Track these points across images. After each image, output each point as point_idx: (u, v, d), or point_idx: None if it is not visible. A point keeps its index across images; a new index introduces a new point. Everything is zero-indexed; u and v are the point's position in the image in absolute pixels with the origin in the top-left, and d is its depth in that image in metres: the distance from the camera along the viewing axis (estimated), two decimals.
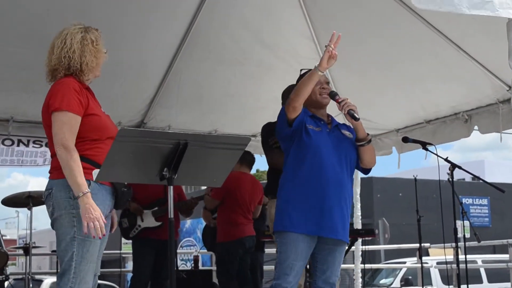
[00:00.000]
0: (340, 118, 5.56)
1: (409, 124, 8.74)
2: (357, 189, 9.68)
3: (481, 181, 7.53)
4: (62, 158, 4.07)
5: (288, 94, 5.20)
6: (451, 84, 7.71)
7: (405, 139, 7.21)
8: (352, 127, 5.13)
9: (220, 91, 8.46)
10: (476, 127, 7.91)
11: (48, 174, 4.26)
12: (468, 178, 27.48)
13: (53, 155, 4.20)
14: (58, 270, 4.22)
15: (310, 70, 5.12)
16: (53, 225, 4.19)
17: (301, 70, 5.33)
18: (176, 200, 7.75)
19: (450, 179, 6.89)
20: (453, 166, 6.85)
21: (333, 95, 5.05)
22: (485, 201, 28.84)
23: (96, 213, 4.01)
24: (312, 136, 4.94)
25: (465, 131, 8.04)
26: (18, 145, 8.36)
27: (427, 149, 7.10)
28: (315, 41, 7.87)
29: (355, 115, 4.87)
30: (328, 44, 4.71)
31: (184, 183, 4.59)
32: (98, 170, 4.02)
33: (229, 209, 7.94)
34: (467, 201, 27.18)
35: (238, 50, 7.81)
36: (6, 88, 7.53)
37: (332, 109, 5.21)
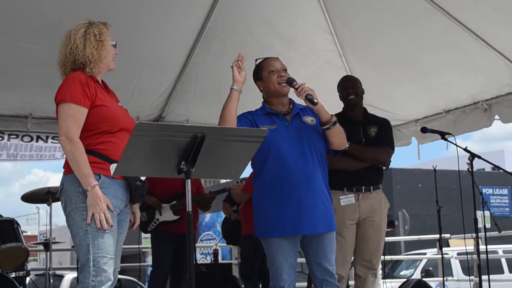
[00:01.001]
0: None
1: (428, 114, 8.68)
2: None
3: (501, 170, 7.49)
4: (66, 150, 4.10)
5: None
6: (470, 74, 7.67)
7: (424, 129, 7.16)
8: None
9: None
10: (497, 117, 7.85)
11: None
12: (488, 168, 27.40)
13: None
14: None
15: (265, 58, 5.08)
16: (67, 221, 4.21)
17: (256, 60, 5.21)
18: (194, 194, 7.76)
19: (470, 169, 6.85)
20: (473, 156, 6.82)
21: (290, 82, 4.95)
22: (505, 191, 28.72)
23: (103, 204, 4.04)
24: (267, 137, 4.75)
25: (485, 121, 7.97)
26: (37, 141, 8.40)
27: (446, 139, 7.05)
28: (332, 33, 7.84)
29: (314, 100, 4.78)
30: (233, 64, 4.84)
31: (202, 176, 4.58)
32: (114, 165, 4.03)
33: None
34: (487, 191, 27.06)
35: (255, 44, 7.79)
36: (24, 84, 7.56)
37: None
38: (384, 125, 6.27)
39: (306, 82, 4.89)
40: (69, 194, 4.14)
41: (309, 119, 5.04)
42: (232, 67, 4.87)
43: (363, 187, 6.01)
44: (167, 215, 7.85)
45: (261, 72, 5.08)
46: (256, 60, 5.18)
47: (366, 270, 6.01)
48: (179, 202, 7.80)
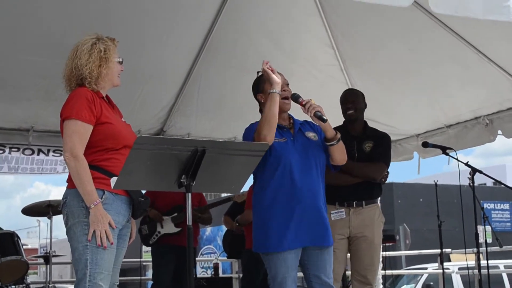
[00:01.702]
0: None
1: (429, 129, 8.69)
2: None
3: (502, 185, 7.47)
4: (70, 167, 4.11)
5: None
6: (471, 88, 7.67)
7: (425, 144, 7.17)
8: (317, 125, 5.04)
9: (240, 99, 8.43)
10: (500, 132, 7.84)
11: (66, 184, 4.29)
12: (489, 182, 27.36)
13: None
14: None
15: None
16: (67, 234, 4.22)
17: (258, 72, 5.17)
18: (196, 207, 7.76)
19: (471, 184, 6.84)
20: (474, 170, 6.81)
21: (295, 98, 4.94)
22: (506, 206, 28.65)
23: (105, 222, 4.06)
24: (278, 149, 4.84)
25: (487, 136, 7.96)
26: (38, 154, 8.41)
27: (447, 154, 7.04)
28: (334, 48, 7.85)
29: (323, 116, 4.79)
30: (265, 68, 4.81)
31: (203, 190, 4.59)
32: (115, 178, 4.03)
33: None
34: (489, 206, 27.01)
35: (258, 57, 7.78)
36: (27, 97, 7.57)
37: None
38: (381, 140, 6.25)
39: (312, 98, 4.90)
40: (72, 208, 4.14)
41: (311, 135, 5.05)
42: (263, 72, 4.83)
43: (354, 202, 6.02)
44: (168, 227, 7.85)
45: (263, 85, 5.04)
46: (258, 72, 5.15)
47: (362, 285, 6.00)
48: (180, 214, 7.79)
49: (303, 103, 4.87)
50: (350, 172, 5.87)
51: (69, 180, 4.21)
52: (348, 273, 6.03)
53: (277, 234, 4.78)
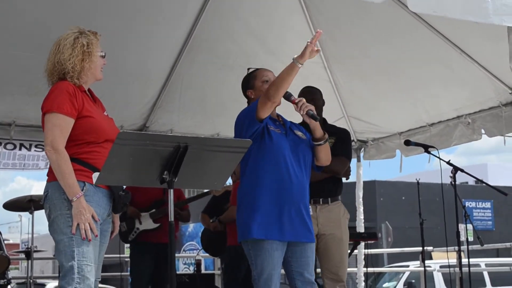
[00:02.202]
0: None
1: (412, 127, 8.72)
2: (359, 193, 9.66)
3: (484, 184, 7.51)
4: (52, 160, 4.09)
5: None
6: (454, 88, 7.71)
7: (407, 142, 7.18)
8: (304, 127, 5.08)
9: (223, 95, 8.44)
10: (483, 131, 7.88)
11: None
12: (471, 181, 27.45)
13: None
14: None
15: (257, 68, 5.07)
16: (50, 227, 4.19)
17: (248, 68, 5.22)
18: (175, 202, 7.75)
19: (453, 182, 6.86)
20: (456, 169, 6.83)
21: (287, 96, 4.90)
22: (488, 205, 28.80)
23: (88, 215, 4.04)
24: (274, 138, 4.85)
25: (471, 135, 8.00)
26: (20, 149, 8.36)
27: (429, 152, 7.08)
28: (318, 46, 7.83)
29: (315, 115, 4.82)
30: (310, 41, 4.60)
31: (185, 186, 4.59)
32: (97, 173, 4.03)
33: None
34: (470, 204, 27.15)
35: (241, 55, 7.79)
36: (9, 92, 7.53)
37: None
38: (342, 136, 6.26)
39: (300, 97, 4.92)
40: (54, 200, 4.12)
41: (300, 134, 5.09)
42: (310, 42, 4.63)
43: (320, 199, 6.03)
44: (147, 223, 7.82)
45: (253, 81, 5.08)
46: (248, 69, 5.21)
47: (333, 283, 5.99)
48: (159, 210, 7.77)
49: (295, 101, 4.88)
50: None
51: (50, 173, 4.19)
52: (317, 270, 6.02)
53: (266, 222, 4.77)
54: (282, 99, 4.92)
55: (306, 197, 4.95)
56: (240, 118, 4.97)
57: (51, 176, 4.17)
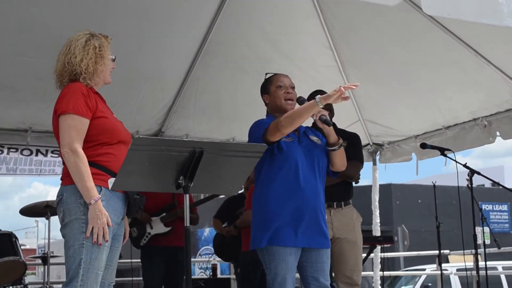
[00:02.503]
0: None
1: (428, 130, 8.70)
2: (375, 196, 9.63)
3: (500, 187, 7.48)
4: (69, 162, 4.06)
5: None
6: (470, 90, 7.68)
7: (423, 145, 7.17)
8: (320, 132, 5.06)
9: (238, 100, 8.45)
10: (498, 133, 7.85)
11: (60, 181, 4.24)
12: (487, 184, 27.34)
13: (63, 161, 4.19)
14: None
15: (275, 74, 5.06)
16: (62, 231, 4.15)
17: (266, 74, 5.22)
18: (179, 207, 7.75)
19: (469, 185, 6.84)
20: (472, 172, 6.81)
21: (301, 101, 4.94)
22: (505, 207, 28.65)
23: (103, 219, 4.02)
24: (284, 148, 4.84)
25: (486, 137, 7.97)
26: (36, 155, 8.39)
27: (445, 155, 7.06)
28: (332, 49, 7.85)
29: (328, 120, 4.80)
30: (344, 87, 4.50)
31: (200, 191, 4.57)
32: (113, 178, 4.02)
33: None
34: (487, 207, 27.01)
35: (256, 59, 7.79)
36: (24, 98, 7.55)
37: None
38: (353, 140, 6.26)
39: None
40: (69, 205, 4.08)
41: (315, 139, 5.08)
42: (338, 89, 4.52)
43: (334, 203, 6.04)
44: (158, 227, 7.81)
45: (269, 86, 5.11)
46: (266, 74, 5.22)
47: (348, 287, 5.98)
48: (169, 214, 7.77)
49: None
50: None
51: (65, 176, 4.16)
52: (332, 274, 6.02)
53: (279, 229, 4.77)
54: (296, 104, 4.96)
55: (320, 202, 4.93)
56: (251, 131, 5.02)
57: (67, 180, 4.13)
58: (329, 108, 5.85)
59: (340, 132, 6.12)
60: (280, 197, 4.82)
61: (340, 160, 5.07)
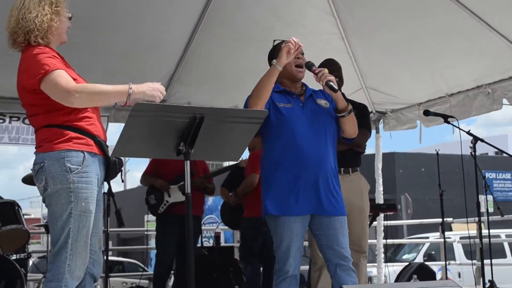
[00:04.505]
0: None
1: (431, 98, 8.66)
2: (379, 164, 9.61)
3: (504, 155, 7.46)
4: (82, 99, 3.89)
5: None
6: (473, 58, 7.64)
7: (426, 113, 7.14)
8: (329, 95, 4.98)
9: (240, 68, 8.42)
10: (505, 101, 7.81)
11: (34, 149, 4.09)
12: (491, 152, 27.33)
13: (38, 128, 4.06)
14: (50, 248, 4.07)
15: (283, 41, 5.00)
16: (45, 200, 4.03)
17: (274, 40, 5.13)
18: (201, 175, 7.76)
19: (473, 153, 6.82)
20: (476, 139, 6.79)
21: (309, 66, 4.88)
22: (508, 176, 28.64)
23: (154, 86, 4.04)
24: (284, 114, 4.78)
25: (490, 105, 7.93)
26: None
27: (448, 122, 7.02)
28: (335, 16, 7.80)
29: (334, 86, 4.73)
30: (288, 41, 4.68)
31: (201, 158, 4.56)
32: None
33: (257, 185, 7.91)
34: (491, 175, 26.99)
35: (258, 27, 7.76)
36: None
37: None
38: (362, 111, 6.23)
39: (326, 69, 4.85)
40: (53, 173, 3.92)
41: (322, 102, 4.99)
42: (281, 46, 4.75)
43: (341, 169, 5.96)
44: (176, 196, 7.77)
45: (277, 53, 4.93)
46: (274, 41, 5.13)
47: (357, 254, 5.92)
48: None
49: (316, 71, 4.82)
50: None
51: (43, 143, 4.00)
52: None
53: (280, 198, 4.74)
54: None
55: (326, 168, 4.84)
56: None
57: (46, 146, 3.97)
58: (338, 75, 5.83)
59: (348, 103, 6.11)
60: (280, 164, 4.78)
61: (350, 127, 5.01)
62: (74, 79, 3.99)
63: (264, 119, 4.49)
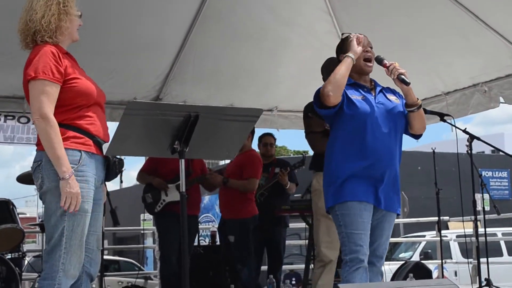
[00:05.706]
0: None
1: (427, 96, 8.64)
2: None
3: (501, 153, 7.45)
4: (40, 128, 3.92)
5: (327, 68, 5.02)
6: (470, 56, 7.64)
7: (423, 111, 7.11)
8: (398, 92, 4.96)
9: (236, 66, 8.41)
10: (502, 99, 7.79)
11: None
12: (487, 150, 27.32)
13: None
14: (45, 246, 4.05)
15: (350, 33, 4.96)
16: (42, 198, 4.05)
17: (342, 34, 5.13)
18: (199, 174, 7.74)
19: (469, 151, 6.80)
20: (472, 137, 6.77)
21: (379, 60, 4.86)
22: (505, 174, 28.63)
23: (77, 192, 3.89)
24: (358, 106, 4.73)
25: (487, 103, 7.92)
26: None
27: (445, 121, 6.99)
28: (331, 15, 7.79)
29: (406, 79, 4.70)
30: (354, 36, 4.75)
31: (196, 156, 4.55)
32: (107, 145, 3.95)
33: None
34: (487, 173, 26.96)
35: (254, 25, 7.75)
36: (21, 64, 7.41)
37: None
38: None
39: (396, 62, 4.83)
40: (49, 171, 3.95)
41: (393, 98, 4.95)
42: (351, 38, 4.79)
43: None
44: (173, 195, 7.71)
45: (346, 47, 4.92)
46: (342, 34, 5.15)
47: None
48: (187, 181, 7.73)
49: (387, 65, 4.80)
50: None
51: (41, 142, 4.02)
52: None
53: (356, 185, 4.68)
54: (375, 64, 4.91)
55: (395, 162, 4.81)
56: (314, 101, 4.89)
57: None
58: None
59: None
60: (356, 155, 4.72)
61: (418, 123, 4.94)
62: (78, 79, 4.04)
63: (339, 112, 4.57)
